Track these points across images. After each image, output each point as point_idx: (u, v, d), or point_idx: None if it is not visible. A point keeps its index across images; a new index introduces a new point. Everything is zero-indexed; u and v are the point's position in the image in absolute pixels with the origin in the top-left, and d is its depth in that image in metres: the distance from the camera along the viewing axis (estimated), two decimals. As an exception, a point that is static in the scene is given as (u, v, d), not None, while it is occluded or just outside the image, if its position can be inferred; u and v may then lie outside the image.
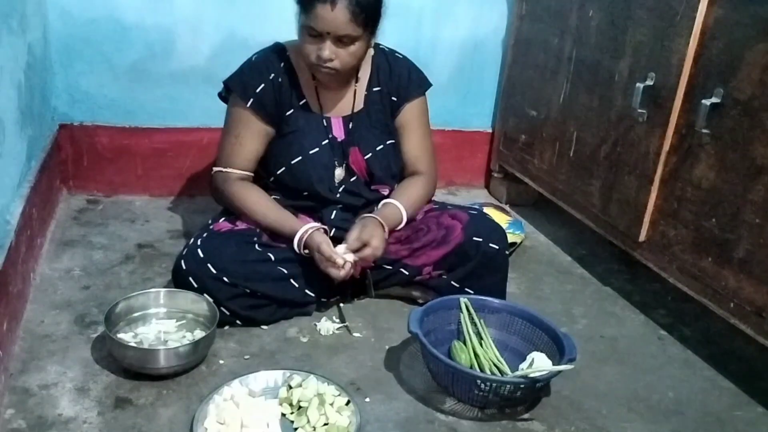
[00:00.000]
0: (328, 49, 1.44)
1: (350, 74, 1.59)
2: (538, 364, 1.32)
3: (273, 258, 1.51)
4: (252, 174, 1.63)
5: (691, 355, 1.58)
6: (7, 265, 1.29)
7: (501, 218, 2.06)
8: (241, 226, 1.58)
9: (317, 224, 1.54)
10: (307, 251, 1.50)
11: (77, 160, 2.13)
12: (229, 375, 1.31)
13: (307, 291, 1.54)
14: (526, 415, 1.31)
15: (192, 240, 1.52)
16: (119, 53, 2.06)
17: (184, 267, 1.46)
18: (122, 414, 1.21)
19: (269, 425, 1.18)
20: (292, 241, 1.51)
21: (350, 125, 1.63)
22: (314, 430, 1.19)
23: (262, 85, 1.56)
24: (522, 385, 1.25)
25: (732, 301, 1.42)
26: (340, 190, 1.63)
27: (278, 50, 1.61)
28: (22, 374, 1.29)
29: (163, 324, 1.44)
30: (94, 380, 1.29)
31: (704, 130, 1.47)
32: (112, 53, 2.05)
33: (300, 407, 1.23)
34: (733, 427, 1.34)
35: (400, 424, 1.25)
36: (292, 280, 1.52)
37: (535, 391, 1.31)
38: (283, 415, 1.23)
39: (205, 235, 1.52)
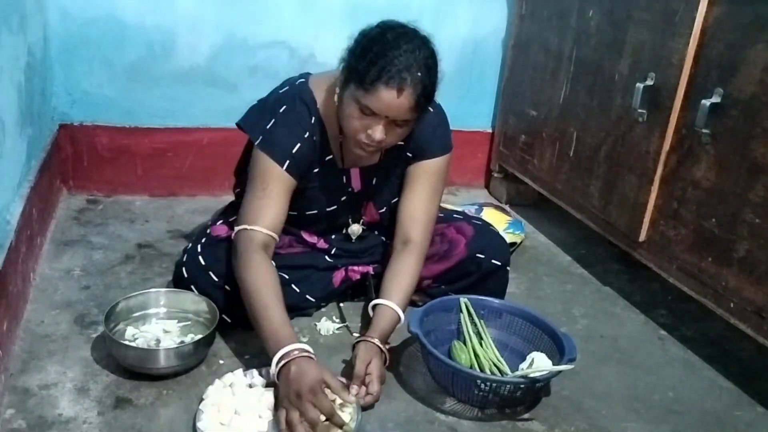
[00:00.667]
0: (380, 132, 1.29)
1: None
2: (538, 364, 1.32)
3: (273, 264, 1.50)
4: (277, 238, 1.43)
5: (691, 355, 1.58)
6: (7, 265, 1.29)
7: (501, 218, 2.06)
8: None
9: (304, 347, 1.21)
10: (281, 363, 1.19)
11: (77, 160, 2.13)
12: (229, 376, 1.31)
13: (308, 296, 1.54)
14: (526, 415, 1.31)
15: (191, 245, 1.51)
16: (119, 53, 2.06)
17: (185, 275, 1.45)
18: (122, 414, 1.21)
19: (261, 416, 1.18)
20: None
21: (367, 177, 1.55)
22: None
23: (298, 145, 1.42)
24: (522, 385, 1.25)
25: (732, 301, 1.42)
26: (341, 239, 1.62)
27: (306, 99, 1.44)
28: (22, 374, 1.29)
29: (163, 324, 1.44)
30: (94, 380, 1.29)
31: (704, 130, 1.47)
32: (112, 53, 2.06)
33: None
34: (733, 427, 1.34)
35: (400, 425, 1.25)
36: (293, 285, 1.51)
37: (535, 391, 1.31)
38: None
39: (204, 240, 1.51)
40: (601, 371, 1.48)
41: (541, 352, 1.36)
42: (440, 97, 2.42)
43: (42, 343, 1.39)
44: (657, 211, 1.64)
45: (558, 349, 1.33)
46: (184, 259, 1.48)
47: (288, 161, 1.41)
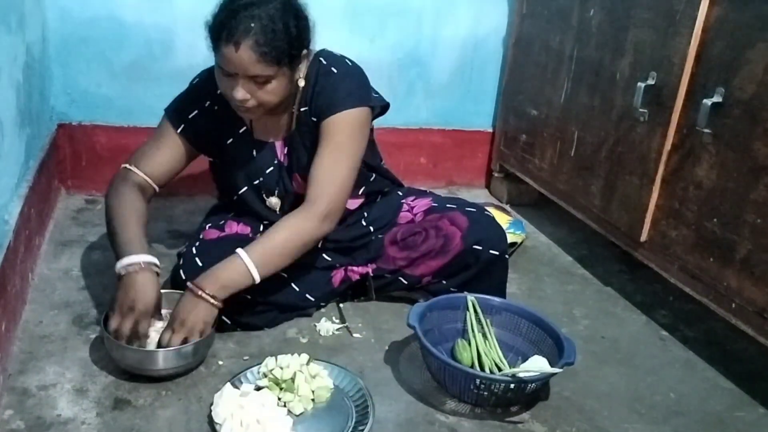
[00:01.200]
0: (240, 91, 1.33)
1: (284, 103, 1.45)
2: (531, 365, 1.32)
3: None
4: (155, 188, 1.49)
5: (692, 355, 1.57)
6: (5, 265, 1.29)
7: (502, 218, 2.05)
8: (230, 232, 1.57)
9: (151, 260, 1.32)
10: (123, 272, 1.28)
11: (76, 159, 2.13)
12: (229, 376, 1.30)
13: (307, 295, 1.53)
14: (526, 416, 1.30)
15: (186, 249, 1.52)
16: (118, 52, 2.05)
17: (183, 277, 1.45)
18: (121, 415, 1.21)
19: (265, 405, 1.19)
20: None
21: (287, 149, 1.54)
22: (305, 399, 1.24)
23: (196, 111, 1.51)
24: (511, 385, 1.25)
25: (733, 301, 1.42)
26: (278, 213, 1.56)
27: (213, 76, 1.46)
28: (20, 375, 1.28)
29: (161, 324, 1.43)
30: (92, 381, 1.29)
31: (706, 130, 1.46)
32: (111, 52, 2.05)
33: (282, 387, 1.25)
34: (734, 427, 1.33)
35: (400, 425, 1.25)
36: (292, 284, 1.51)
37: (528, 392, 1.30)
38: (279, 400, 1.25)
39: (198, 244, 1.51)
40: (602, 372, 1.47)
41: (544, 354, 1.36)
42: (441, 97, 2.42)
43: (40, 344, 1.38)
44: (658, 211, 1.63)
45: (559, 353, 1.33)
46: (181, 262, 1.48)
47: (183, 125, 1.51)
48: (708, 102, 1.44)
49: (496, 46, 2.40)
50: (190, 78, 2.11)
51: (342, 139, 1.44)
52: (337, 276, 1.58)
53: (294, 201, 1.52)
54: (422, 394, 1.34)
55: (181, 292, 1.44)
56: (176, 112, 1.52)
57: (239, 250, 1.34)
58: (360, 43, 2.18)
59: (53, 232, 1.89)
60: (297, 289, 1.51)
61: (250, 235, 1.56)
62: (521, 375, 1.26)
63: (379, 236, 1.62)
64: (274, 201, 1.57)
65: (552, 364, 1.31)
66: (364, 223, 1.63)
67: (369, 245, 1.62)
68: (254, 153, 1.53)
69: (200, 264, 1.44)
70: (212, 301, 1.30)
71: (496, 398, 1.28)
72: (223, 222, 1.60)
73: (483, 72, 2.43)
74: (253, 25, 1.28)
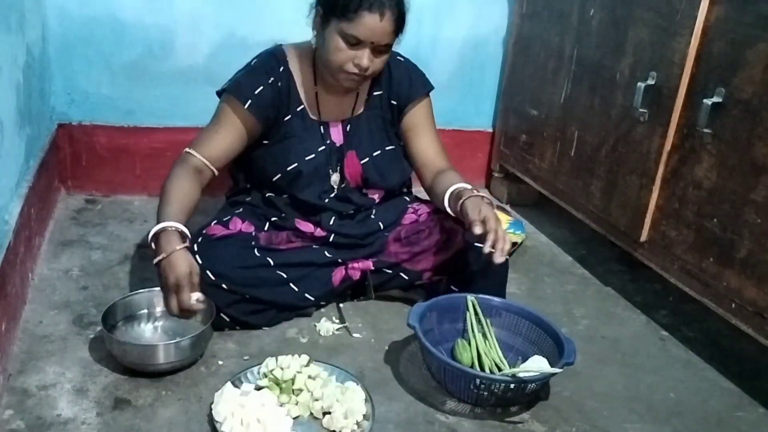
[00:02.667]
0: (367, 58, 1.42)
1: None
2: (531, 365, 1.32)
3: (272, 263, 1.50)
4: (214, 171, 1.53)
5: (692, 355, 1.57)
6: (5, 265, 1.29)
7: (502, 218, 2.04)
8: (234, 229, 1.57)
9: (177, 226, 1.34)
10: (160, 256, 1.29)
11: (76, 159, 2.12)
12: (229, 376, 1.30)
13: (306, 295, 1.53)
14: (526, 416, 1.30)
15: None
16: (118, 52, 2.05)
17: None
18: (121, 415, 1.21)
19: (265, 404, 1.19)
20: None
21: (348, 129, 1.62)
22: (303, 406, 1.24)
23: (261, 87, 1.53)
24: (512, 385, 1.25)
25: (733, 301, 1.42)
26: (331, 196, 1.61)
27: (277, 54, 1.57)
28: (20, 375, 1.28)
29: (160, 321, 1.44)
30: (92, 381, 1.29)
31: (706, 130, 1.46)
32: (111, 52, 2.05)
33: (282, 387, 1.25)
34: (734, 427, 1.33)
35: (400, 425, 1.25)
36: (291, 285, 1.51)
37: (527, 392, 1.29)
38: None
39: (200, 240, 1.50)
40: (602, 372, 1.47)
41: (544, 354, 1.36)
42: (441, 97, 2.42)
43: (40, 344, 1.38)
44: (658, 211, 1.63)
45: (559, 353, 1.33)
46: None
47: (250, 100, 1.51)
48: (708, 102, 1.44)
49: (496, 46, 2.40)
50: (190, 78, 2.13)
51: (432, 117, 1.71)
52: (338, 275, 1.58)
53: (341, 178, 1.61)
54: (422, 394, 1.34)
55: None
56: (241, 89, 1.53)
57: (456, 184, 1.52)
58: (360, 43, 2.19)
59: (53, 232, 1.89)
60: (296, 288, 1.51)
61: (253, 233, 1.56)
62: (521, 375, 1.26)
63: (385, 234, 1.62)
64: (335, 178, 1.61)
65: (552, 364, 1.31)
66: (373, 219, 1.65)
67: (374, 242, 1.62)
68: (309, 131, 1.58)
69: (200, 262, 1.44)
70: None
71: (496, 398, 1.28)
72: (228, 219, 1.59)
73: (483, 72, 2.43)
74: None
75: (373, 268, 1.59)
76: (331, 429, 1.20)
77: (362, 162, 1.62)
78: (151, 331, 1.43)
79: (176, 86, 2.14)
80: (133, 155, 2.15)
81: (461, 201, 1.45)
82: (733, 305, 1.42)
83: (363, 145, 1.62)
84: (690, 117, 1.52)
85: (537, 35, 2.16)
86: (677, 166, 1.57)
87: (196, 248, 1.47)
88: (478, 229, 1.36)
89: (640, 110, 1.64)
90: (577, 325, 1.66)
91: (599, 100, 1.84)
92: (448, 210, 1.53)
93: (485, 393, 1.26)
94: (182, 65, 2.12)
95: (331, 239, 1.58)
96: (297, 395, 1.24)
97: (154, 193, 2.19)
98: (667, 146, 1.58)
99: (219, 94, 1.60)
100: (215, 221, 1.59)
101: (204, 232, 1.54)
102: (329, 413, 1.21)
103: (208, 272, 1.42)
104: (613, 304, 1.78)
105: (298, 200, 1.60)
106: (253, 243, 1.52)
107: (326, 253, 1.57)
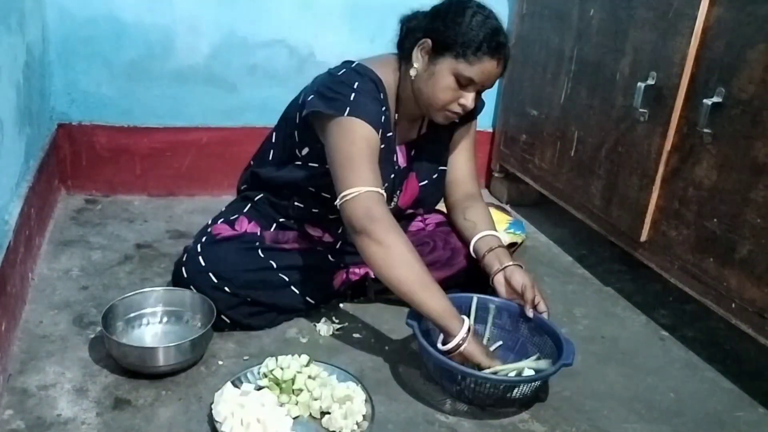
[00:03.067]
0: (472, 99, 1.38)
1: None
2: (528, 363, 1.32)
3: (275, 265, 1.49)
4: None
5: (692, 355, 1.57)
6: (5, 265, 1.29)
7: (502, 218, 2.05)
8: (240, 229, 1.56)
9: (468, 322, 1.31)
10: (451, 352, 1.28)
11: (76, 159, 2.13)
12: (229, 376, 1.30)
13: (307, 298, 1.53)
14: (526, 416, 1.30)
15: (192, 245, 1.51)
16: (118, 52, 2.05)
17: (185, 275, 1.45)
18: (121, 415, 1.21)
19: (265, 404, 1.19)
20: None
21: (413, 152, 1.57)
22: (303, 406, 1.24)
23: (383, 117, 1.41)
24: (500, 385, 1.25)
25: (734, 301, 1.42)
26: None
27: (374, 77, 1.42)
28: (20, 375, 1.28)
29: (160, 322, 1.44)
30: (92, 381, 1.29)
31: (706, 130, 1.46)
32: (111, 52, 2.05)
33: (282, 387, 1.25)
34: (734, 428, 1.33)
35: (400, 425, 1.25)
36: (293, 287, 1.50)
37: (523, 392, 1.28)
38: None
39: (204, 239, 1.50)
40: (602, 372, 1.47)
41: (545, 355, 1.36)
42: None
43: (40, 344, 1.38)
44: (658, 211, 1.63)
45: (559, 354, 1.32)
46: (184, 258, 1.48)
47: (380, 129, 1.38)
48: (708, 102, 1.44)
49: (496, 46, 2.39)
50: (190, 78, 2.13)
51: (475, 140, 1.68)
52: (338, 279, 1.58)
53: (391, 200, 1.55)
54: (422, 394, 1.34)
55: (180, 289, 1.45)
56: (370, 115, 1.36)
57: (489, 233, 1.55)
58: (360, 43, 2.18)
59: (53, 232, 1.89)
60: (297, 292, 1.51)
61: (259, 234, 1.54)
62: (516, 375, 1.26)
63: None
64: (394, 200, 1.57)
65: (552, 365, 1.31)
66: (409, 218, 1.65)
67: None
68: (390, 158, 1.49)
69: (203, 263, 1.44)
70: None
71: (494, 398, 1.28)
72: (235, 218, 1.58)
73: (483, 72, 2.42)
74: (506, 39, 1.37)
75: (373, 276, 1.59)
76: (331, 429, 1.19)
77: (421, 184, 1.58)
78: (151, 331, 1.43)
79: (176, 86, 2.14)
80: (133, 155, 2.15)
81: (502, 267, 1.48)
82: (734, 305, 1.42)
83: (423, 166, 1.58)
84: (690, 117, 1.52)
85: (537, 35, 2.16)
86: (677, 166, 1.57)
87: (199, 249, 1.47)
88: (542, 307, 1.43)
89: (640, 110, 1.64)
90: (577, 325, 1.66)
91: (599, 100, 1.84)
92: (472, 252, 1.55)
93: (481, 392, 1.26)
94: (182, 65, 2.12)
95: (338, 246, 1.58)
96: (297, 395, 1.24)
97: (154, 193, 2.20)
98: (667, 146, 1.58)
99: (316, 110, 1.39)
100: (222, 219, 1.58)
101: (209, 230, 1.54)
102: (329, 413, 1.21)
103: (210, 275, 1.42)
104: (613, 304, 1.78)
105: (319, 209, 1.54)
106: (257, 243, 1.51)
107: (330, 257, 1.57)
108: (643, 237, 1.67)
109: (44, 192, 1.82)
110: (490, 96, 2.45)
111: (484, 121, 2.50)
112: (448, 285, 1.56)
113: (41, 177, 1.75)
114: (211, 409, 1.19)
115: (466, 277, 1.57)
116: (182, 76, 2.13)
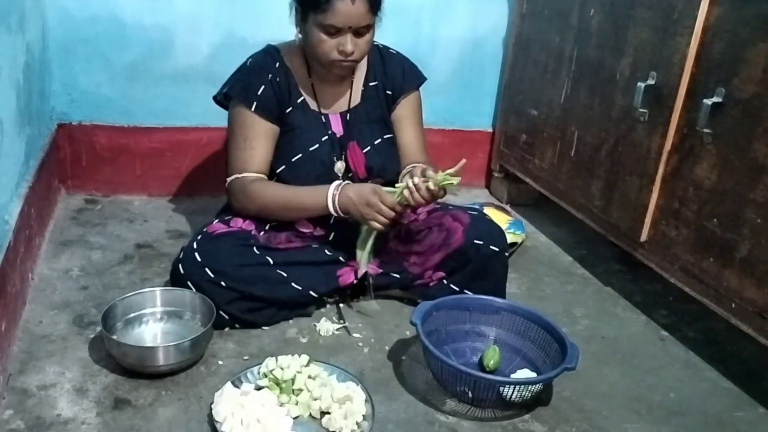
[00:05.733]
0: (350, 43, 1.45)
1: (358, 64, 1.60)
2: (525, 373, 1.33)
3: (271, 261, 1.50)
4: (266, 176, 1.59)
5: (692, 355, 1.57)
6: (5, 265, 1.29)
7: (502, 218, 2.05)
8: (235, 227, 1.57)
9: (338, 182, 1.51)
10: (345, 215, 1.48)
11: (76, 159, 2.12)
12: (228, 376, 1.31)
13: (310, 291, 1.53)
14: (526, 416, 1.30)
15: (188, 243, 1.51)
16: (118, 52, 2.05)
17: (181, 271, 1.45)
18: (121, 415, 1.21)
19: (265, 404, 1.19)
20: (322, 217, 1.53)
21: (348, 120, 1.63)
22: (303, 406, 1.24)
23: (263, 86, 1.55)
24: (501, 388, 1.24)
25: (733, 301, 1.42)
26: None
27: (271, 52, 1.60)
28: (20, 375, 1.28)
29: (160, 322, 1.44)
30: (92, 381, 1.29)
31: (706, 130, 1.46)
32: (111, 52, 2.05)
33: (282, 387, 1.25)
34: (734, 427, 1.33)
35: (400, 425, 1.25)
36: (293, 284, 1.51)
37: (523, 394, 1.28)
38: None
39: (200, 237, 1.51)
40: (602, 372, 1.47)
41: (550, 358, 1.36)
42: (440, 97, 2.43)
43: (40, 344, 1.38)
44: (658, 211, 1.63)
45: (563, 358, 1.32)
46: (181, 256, 1.48)
47: (255, 102, 1.54)
48: (708, 102, 1.44)
49: (496, 46, 2.40)
50: (190, 78, 2.13)
51: (421, 111, 1.74)
52: (346, 278, 1.58)
53: (347, 168, 1.63)
54: (422, 394, 1.34)
55: (180, 289, 1.45)
56: (244, 92, 1.56)
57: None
58: (360, 43, 2.18)
59: (53, 232, 1.89)
60: (299, 287, 1.51)
61: (253, 232, 1.56)
62: (516, 377, 1.26)
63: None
64: (339, 165, 1.62)
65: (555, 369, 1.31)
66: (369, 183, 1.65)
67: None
68: (311, 122, 1.61)
69: (199, 259, 1.44)
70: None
71: (494, 400, 1.27)
72: (230, 217, 1.60)
73: (483, 72, 2.43)
74: None
75: (381, 270, 1.59)
76: (331, 429, 1.19)
77: (364, 151, 1.62)
78: (151, 331, 1.43)
79: (176, 86, 2.14)
80: (133, 155, 2.15)
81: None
82: (733, 305, 1.42)
83: (363, 134, 1.64)
84: (690, 117, 1.52)
85: (537, 35, 2.16)
86: (677, 166, 1.57)
87: (195, 245, 1.47)
88: (430, 173, 1.46)
89: (640, 110, 1.64)
90: (577, 325, 1.66)
91: (599, 100, 1.84)
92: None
93: (483, 394, 1.26)
94: (182, 65, 2.12)
95: (330, 237, 1.58)
96: (297, 395, 1.24)
97: (153, 193, 2.20)
98: (667, 146, 1.58)
99: (220, 100, 1.63)
100: (217, 219, 1.60)
101: (205, 230, 1.55)
102: (329, 413, 1.21)
103: (206, 269, 1.43)
104: (613, 304, 1.78)
105: None
106: (252, 241, 1.53)
107: (326, 251, 1.58)
108: (643, 237, 1.67)
109: (44, 192, 1.82)
110: (490, 96, 2.46)
111: (484, 121, 2.50)
112: (447, 267, 1.58)
113: (41, 177, 1.75)
114: (211, 409, 1.19)
115: (465, 259, 1.57)
116: (182, 76, 2.13)
